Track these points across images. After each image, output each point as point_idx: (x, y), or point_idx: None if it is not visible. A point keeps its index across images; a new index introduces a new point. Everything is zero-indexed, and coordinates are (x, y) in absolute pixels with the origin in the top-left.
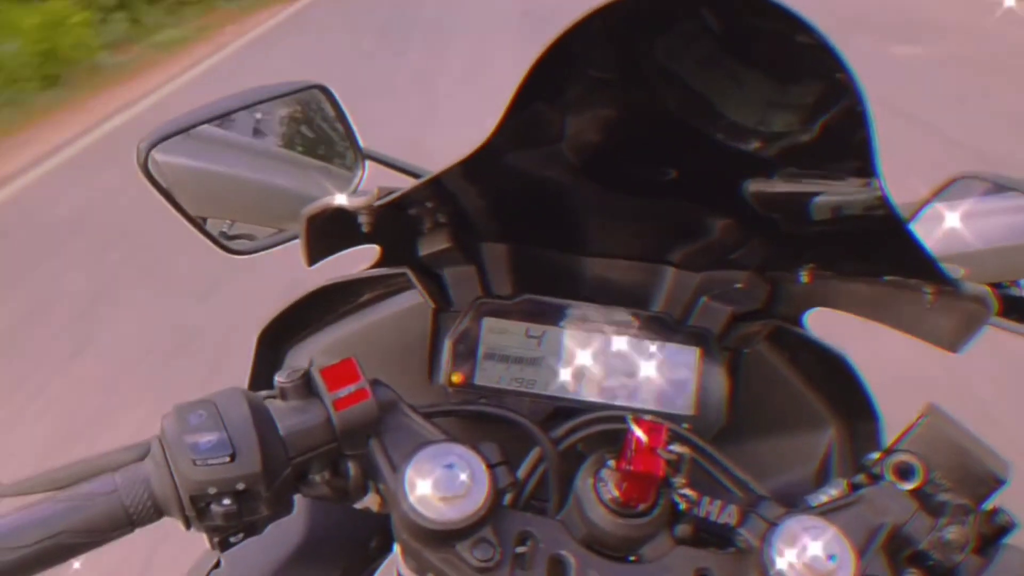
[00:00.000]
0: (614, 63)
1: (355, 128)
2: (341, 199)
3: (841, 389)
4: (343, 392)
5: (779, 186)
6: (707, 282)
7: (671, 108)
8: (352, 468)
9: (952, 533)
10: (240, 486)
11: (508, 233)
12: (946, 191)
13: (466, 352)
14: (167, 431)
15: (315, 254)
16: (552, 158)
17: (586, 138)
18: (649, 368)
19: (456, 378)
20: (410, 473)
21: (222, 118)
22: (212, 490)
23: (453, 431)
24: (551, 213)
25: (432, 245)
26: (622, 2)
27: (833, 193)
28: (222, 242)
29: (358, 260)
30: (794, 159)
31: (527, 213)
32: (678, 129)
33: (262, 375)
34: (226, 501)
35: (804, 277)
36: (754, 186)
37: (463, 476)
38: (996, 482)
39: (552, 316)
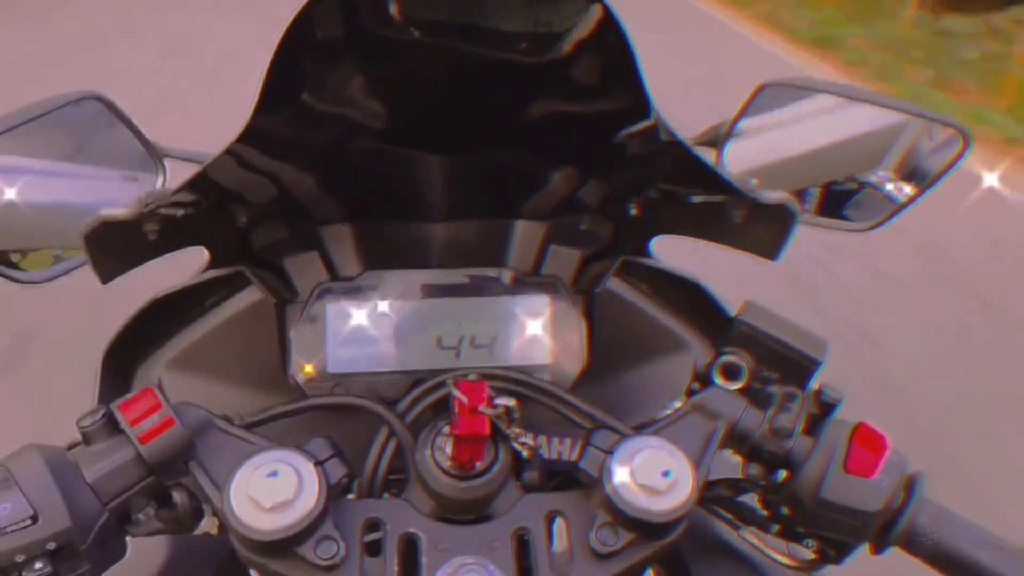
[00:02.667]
0: (356, 20)
1: (142, 129)
2: (107, 211)
3: (698, 311)
4: (147, 424)
5: (580, 124)
6: (554, 229)
7: (433, 48)
8: (178, 497)
9: (780, 421)
10: (51, 546)
11: (347, 212)
12: (756, 101)
13: (315, 341)
14: None
15: (107, 272)
16: (348, 126)
17: (370, 101)
18: (503, 325)
19: (308, 370)
20: (234, 490)
21: None
22: (20, 557)
23: (300, 431)
24: (384, 184)
25: (267, 237)
26: None
27: (624, 128)
28: (8, 273)
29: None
30: (576, 76)
31: (360, 188)
32: (453, 68)
33: (110, 397)
34: (38, 565)
35: (633, 209)
36: (560, 126)
37: (289, 481)
38: (813, 363)
39: (400, 289)
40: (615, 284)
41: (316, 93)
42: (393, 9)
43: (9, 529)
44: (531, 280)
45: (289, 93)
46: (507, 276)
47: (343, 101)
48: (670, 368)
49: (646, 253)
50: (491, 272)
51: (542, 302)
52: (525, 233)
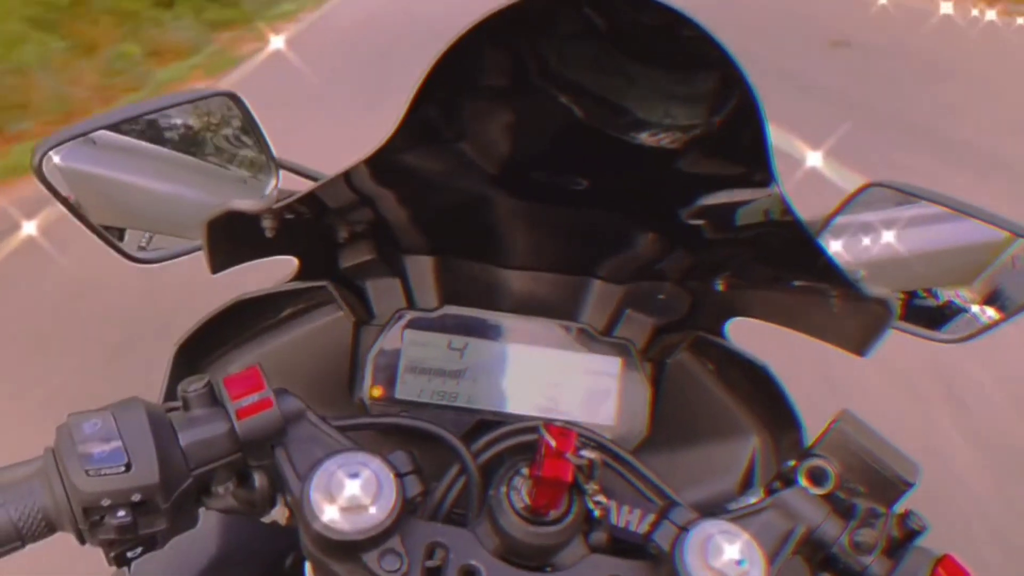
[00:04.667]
0: (506, 69)
1: (267, 136)
2: (239, 203)
3: (763, 398)
4: (246, 401)
5: (687, 193)
6: (631, 294)
7: (570, 111)
8: (258, 479)
9: (862, 536)
10: (136, 497)
11: (432, 245)
12: (857, 198)
13: (387, 366)
14: (60, 441)
15: (219, 262)
16: (461, 165)
17: (491, 145)
18: (571, 379)
19: (376, 392)
20: (315, 483)
21: (127, 123)
22: (106, 502)
23: (370, 444)
24: (473, 224)
25: (354, 257)
26: (509, 8)
27: (737, 199)
28: (124, 250)
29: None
30: (698, 158)
31: (449, 224)
32: (580, 131)
33: (177, 391)
34: (121, 513)
35: (720, 286)
36: (664, 193)
37: (369, 486)
38: (905, 485)
39: (475, 328)
40: (684, 357)
41: (451, 128)
42: (553, 66)
43: (104, 471)
44: (604, 340)
45: (426, 123)
46: (581, 332)
47: (468, 141)
48: (727, 452)
49: (720, 332)
50: (565, 325)
51: (613, 363)
52: (602, 293)
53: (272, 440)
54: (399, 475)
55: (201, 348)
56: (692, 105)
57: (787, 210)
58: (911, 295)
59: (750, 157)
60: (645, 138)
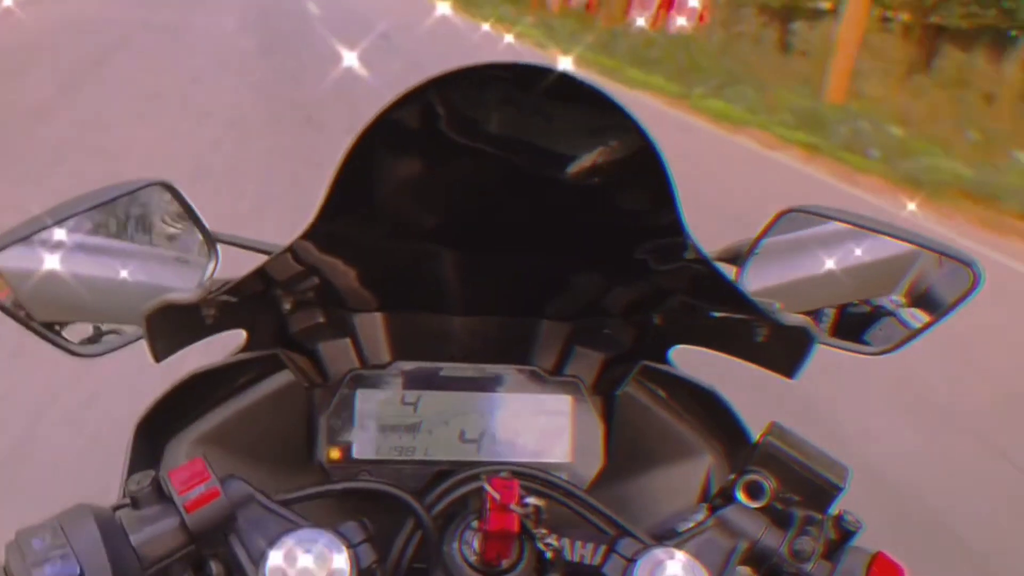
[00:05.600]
0: (426, 132)
1: (202, 218)
2: (173, 295)
3: (713, 420)
4: (193, 493)
5: (612, 234)
6: (578, 331)
7: (493, 160)
8: (214, 568)
9: (801, 543)
10: None
11: (380, 301)
12: (775, 226)
13: (342, 426)
14: (10, 560)
15: (162, 350)
16: (397, 224)
17: (423, 204)
18: (525, 421)
19: (334, 454)
20: (270, 566)
21: (62, 223)
22: None
23: (328, 512)
24: (418, 278)
25: (302, 322)
26: (432, 82)
27: (652, 240)
28: (66, 345)
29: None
30: (615, 199)
31: (395, 280)
32: (507, 178)
33: (139, 468)
34: None
35: (656, 319)
36: (592, 234)
37: (323, 562)
38: (835, 489)
39: (427, 380)
40: (633, 388)
41: (379, 194)
42: (458, 120)
43: None
44: (553, 379)
45: (354, 194)
46: (530, 374)
47: (402, 201)
48: (681, 475)
49: (665, 360)
50: (515, 369)
51: (564, 401)
52: (549, 332)
53: (223, 528)
54: (351, 546)
55: (160, 425)
56: (606, 140)
57: (700, 254)
58: (842, 310)
59: (659, 203)
60: (570, 172)
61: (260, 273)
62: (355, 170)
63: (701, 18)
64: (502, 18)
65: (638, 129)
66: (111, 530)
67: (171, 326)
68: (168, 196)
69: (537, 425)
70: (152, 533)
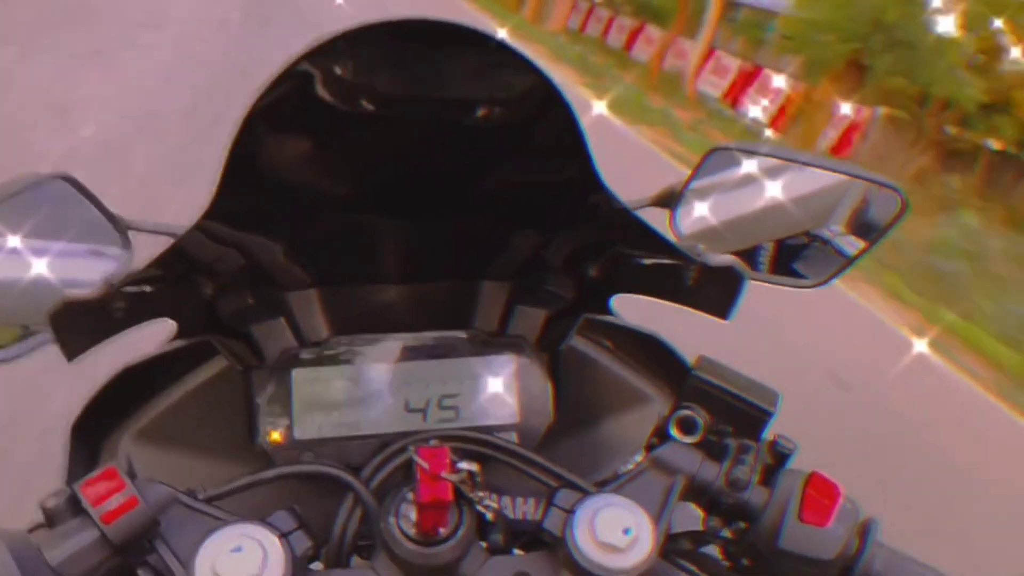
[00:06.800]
0: (319, 99)
1: (109, 208)
2: (73, 292)
3: (659, 365)
4: (110, 504)
5: (532, 187)
6: (518, 290)
7: (393, 119)
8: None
9: (737, 472)
10: None
11: (312, 277)
12: (705, 164)
13: (282, 408)
14: None
15: (73, 349)
16: (311, 196)
17: (331, 172)
18: (470, 385)
19: (275, 437)
20: (199, 566)
21: None
22: None
23: (268, 500)
24: (348, 250)
25: (232, 305)
26: (315, 49)
27: (571, 192)
28: None
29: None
30: (528, 149)
31: (325, 254)
32: (409, 134)
33: (79, 472)
34: None
35: (592, 271)
36: (512, 189)
37: (254, 555)
38: (765, 415)
39: (366, 353)
40: (578, 342)
41: (279, 167)
42: (348, 86)
43: None
44: (496, 340)
45: (253, 168)
46: (472, 337)
47: (306, 173)
48: (634, 421)
49: (607, 310)
50: (457, 334)
51: (507, 362)
52: (490, 294)
53: (147, 535)
54: (283, 536)
55: (96, 424)
56: (500, 81)
57: (618, 202)
58: (780, 244)
59: (569, 148)
60: (467, 120)
61: (168, 258)
62: (250, 144)
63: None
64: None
65: (533, 68)
66: (25, 553)
67: (79, 324)
68: (72, 189)
69: (483, 388)
70: (70, 550)
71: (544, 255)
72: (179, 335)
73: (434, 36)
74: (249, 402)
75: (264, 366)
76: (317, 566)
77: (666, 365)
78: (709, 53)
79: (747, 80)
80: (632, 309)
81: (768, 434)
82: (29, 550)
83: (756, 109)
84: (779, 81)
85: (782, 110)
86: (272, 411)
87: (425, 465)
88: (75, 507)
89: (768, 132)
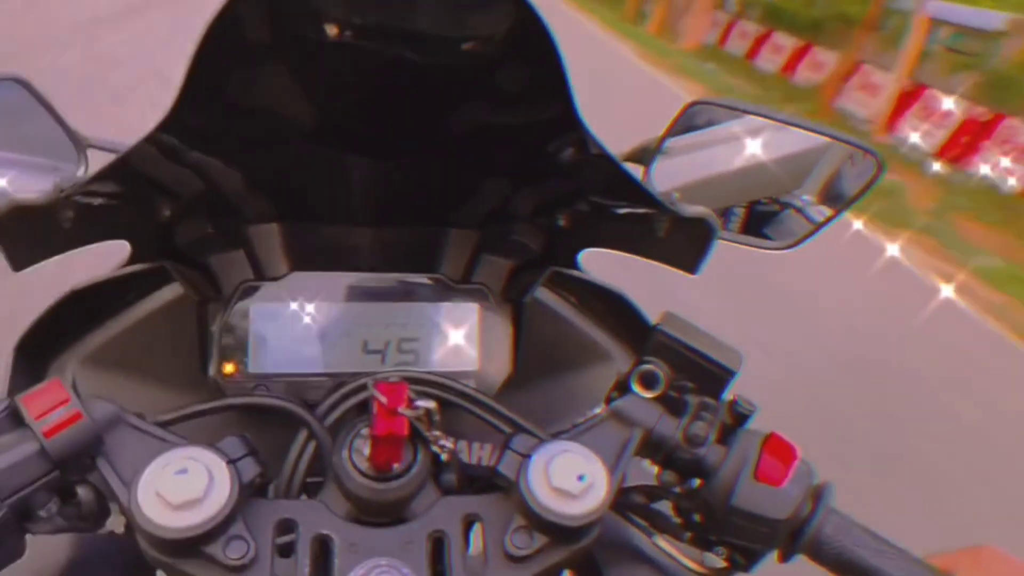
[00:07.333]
0: (283, 22)
1: (64, 118)
2: (22, 197)
3: (622, 322)
4: (53, 417)
5: (506, 133)
6: (485, 238)
7: (358, 48)
8: (83, 494)
9: (695, 429)
10: None
11: (275, 211)
12: (682, 119)
13: (236, 340)
14: None
15: (21, 259)
16: (275, 126)
17: (297, 103)
18: (430, 330)
19: (229, 369)
20: (141, 487)
21: None
22: None
23: (218, 432)
24: (314, 186)
25: (190, 233)
26: None
27: (549, 136)
28: None
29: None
30: (505, 91)
31: (289, 188)
32: (380, 70)
33: (21, 391)
34: None
35: (562, 221)
36: (485, 134)
37: (199, 479)
38: (728, 373)
39: (326, 292)
40: (543, 294)
41: (241, 89)
42: (318, 10)
43: None
44: (460, 287)
45: (213, 87)
46: (436, 282)
47: (268, 98)
48: (593, 377)
49: (575, 265)
50: (420, 278)
51: (470, 309)
52: (456, 240)
53: (89, 452)
54: (231, 462)
55: (42, 345)
56: (484, 16)
57: (596, 144)
58: (751, 208)
59: (551, 89)
60: (444, 58)
61: (119, 168)
62: (211, 62)
63: None
64: None
65: (535, 19)
66: None
67: (29, 233)
68: (24, 93)
69: (444, 334)
70: (7, 462)
71: (513, 204)
72: (133, 259)
73: None
74: (203, 333)
75: (221, 297)
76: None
77: (629, 323)
78: (917, 91)
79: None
80: (597, 270)
81: (729, 394)
82: None
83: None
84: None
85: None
86: (227, 343)
87: (383, 399)
88: (16, 419)
89: None
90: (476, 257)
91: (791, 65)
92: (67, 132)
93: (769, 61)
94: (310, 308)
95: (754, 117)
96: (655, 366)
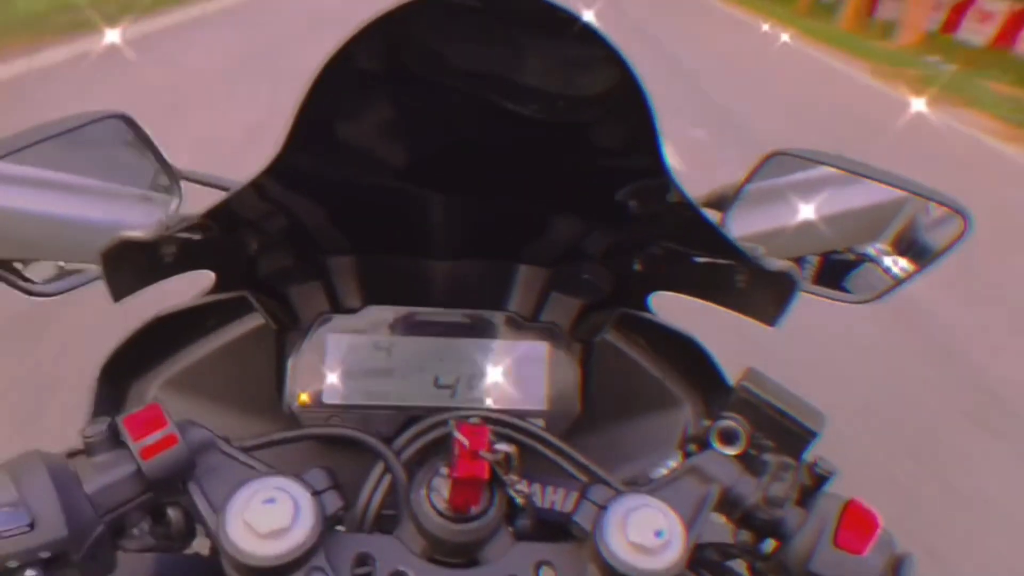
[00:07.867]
0: (394, 65)
1: (163, 151)
2: (129, 232)
3: (692, 367)
4: (150, 440)
5: (591, 176)
6: (556, 276)
7: (463, 94)
8: (173, 515)
9: (775, 490)
10: (45, 554)
11: (353, 244)
12: (762, 169)
13: (312, 371)
14: None
15: (120, 290)
16: (368, 162)
17: (394, 141)
18: (501, 368)
19: (303, 399)
20: (230, 513)
21: (13, 155)
22: (13, 563)
23: (295, 459)
24: (391, 220)
25: (272, 264)
26: (400, 9)
27: (635, 183)
28: (19, 283)
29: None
30: (595, 141)
31: (368, 222)
32: (478, 114)
33: (103, 412)
34: (30, 572)
35: (637, 264)
36: (571, 177)
37: (286, 509)
38: (810, 435)
39: (400, 325)
40: (612, 336)
41: (346, 130)
42: (435, 53)
43: (6, 534)
44: (530, 325)
45: (320, 129)
46: (507, 319)
47: (369, 138)
48: (660, 423)
49: (645, 307)
50: (491, 314)
51: (540, 348)
52: (527, 277)
53: (182, 475)
54: (316, 493)
55: (125, 369)
56: (589, 77)
57: (681, 194)
58: (825, 258)
59: (641, 142)
60: (546, 111)
61: (222, 209)
62: (321, 103)
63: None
64: None
65: (621, 62)
66: (63, 478)
67: (129, 264)
68: (127, 129)
69: (513, 371)
70: (106, 480)
71: (586, 244)
72: (217, 288)
73: (523, 15)
74: (279, 362)
75: (298, 327)
76: (341, 530)
77: (700, 369)
78: None
79: None
80: (667, 313)
81: (809, 455)
82: (66, 475)
83: None
84: None
85: None
86: (303, 373)
87: (465, 441)
88: (115, 439)
89: None
90: (546, 295)
91: None
92: (163, 166)
93: None
94: (383, 341)
95: (833, 169)
96: (736, 423)
